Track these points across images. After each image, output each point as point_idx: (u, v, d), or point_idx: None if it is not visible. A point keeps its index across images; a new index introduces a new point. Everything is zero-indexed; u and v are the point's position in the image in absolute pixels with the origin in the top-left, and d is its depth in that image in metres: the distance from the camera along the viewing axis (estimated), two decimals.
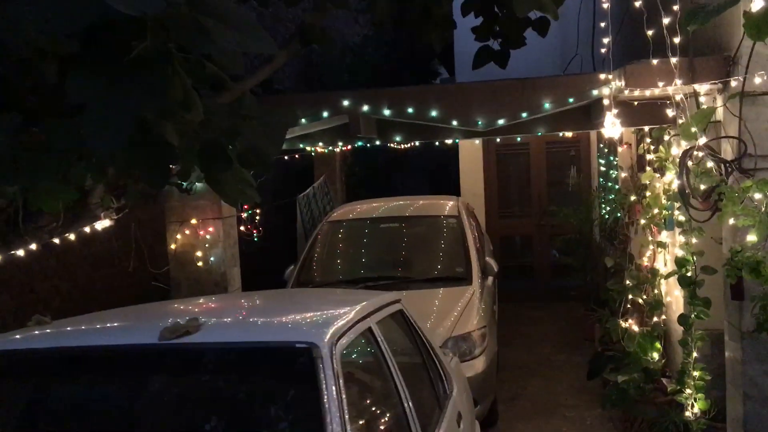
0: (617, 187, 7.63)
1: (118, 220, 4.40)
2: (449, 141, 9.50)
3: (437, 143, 10.21)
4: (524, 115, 4.78)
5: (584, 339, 8.24)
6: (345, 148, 9.70)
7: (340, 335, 2.52)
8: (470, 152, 10.18)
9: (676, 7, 3.93)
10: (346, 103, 4.95)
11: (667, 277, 4.84)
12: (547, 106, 4.73)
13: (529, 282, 10.53)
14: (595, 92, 4.67)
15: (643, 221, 5.42)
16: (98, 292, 6.76)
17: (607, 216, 8.28)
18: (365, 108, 4.93)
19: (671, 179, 4.75)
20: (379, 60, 13.22)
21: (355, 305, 2.98)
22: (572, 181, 10.04)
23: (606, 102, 4.57)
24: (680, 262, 4.58)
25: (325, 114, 4.96)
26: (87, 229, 4.28)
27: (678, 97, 4.24)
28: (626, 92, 4.15)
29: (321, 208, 9.45)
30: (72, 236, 4.21)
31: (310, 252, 7.14)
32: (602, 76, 4.67)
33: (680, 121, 4.28)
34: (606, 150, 8.76)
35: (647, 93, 4.44)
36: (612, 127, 4.33)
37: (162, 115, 2.80)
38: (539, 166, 10.35)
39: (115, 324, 3.09)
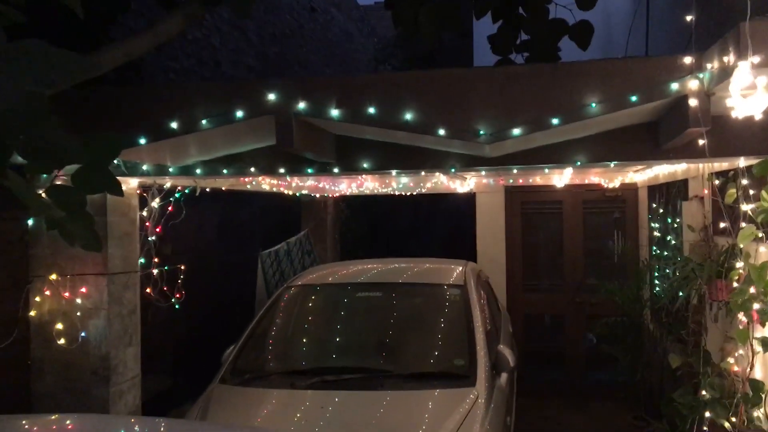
0: (680, 258, 5.61)
1: None
2: (452, 183, 7.59)
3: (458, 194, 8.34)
4: (555, 121, 2.88)
5: None
6: (331, 195, 7.85)
7: None
8: (489, 208, 8.26)
9: None
10: (271, 97, 3.12)
11: None
12: (594, 106, 2.83)
13: (559, 373, 8.38)
14: (674, 86, 2.77)
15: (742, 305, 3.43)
16: None
17: (663, 295, 6.26)
18: (301, 106, 3.08)
19: None
20: None
21: None
22: (618, 250, 8.01)
23: (693, 102, 2.66)
24: None
25: (240, 114, 3.12)
26: None
27: None
28: (749, 69, 2.25)
29: (298, 269, 7.56)
30: None
31: (260, 327, 5.24)
32: (687, 60, 2.78)
33: None
34: (661, 210, 6.80)
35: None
36: (741, 96, 2.37)
37: None
38: (575, 229, 8.34)
39: None
